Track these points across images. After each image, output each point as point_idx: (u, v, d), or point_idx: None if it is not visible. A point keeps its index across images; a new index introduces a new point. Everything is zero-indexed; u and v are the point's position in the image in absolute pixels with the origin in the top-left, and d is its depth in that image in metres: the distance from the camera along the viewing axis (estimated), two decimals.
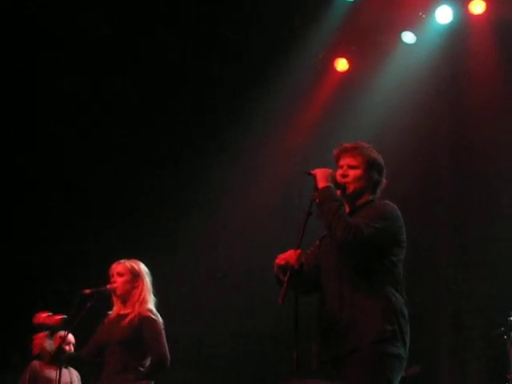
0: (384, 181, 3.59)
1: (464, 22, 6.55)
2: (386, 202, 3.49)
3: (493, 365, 6.00)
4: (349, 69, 6.98)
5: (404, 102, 6.64)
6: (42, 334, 5.65)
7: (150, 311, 4.64)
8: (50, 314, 4.65)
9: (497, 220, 6.55)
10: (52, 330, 4.71)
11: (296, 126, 7.10)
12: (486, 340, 6.04)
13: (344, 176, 3.49)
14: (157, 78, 6.83)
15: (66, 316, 4.58)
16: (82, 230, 7.22)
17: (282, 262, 3.28)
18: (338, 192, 3.45)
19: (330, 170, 3.50)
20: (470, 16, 6.51)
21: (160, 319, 4.65)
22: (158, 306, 4.75)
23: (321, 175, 3.44)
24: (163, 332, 4.59)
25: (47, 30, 6.44)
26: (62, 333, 4.77)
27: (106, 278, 4.75)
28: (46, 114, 6.87)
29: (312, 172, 3.47)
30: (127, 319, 4.59)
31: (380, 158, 3.58)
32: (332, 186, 3.42)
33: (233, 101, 6.88)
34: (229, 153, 6.90)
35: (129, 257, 4.85)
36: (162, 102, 6.99)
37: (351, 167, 3.51)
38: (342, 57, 7.00)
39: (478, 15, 6.46)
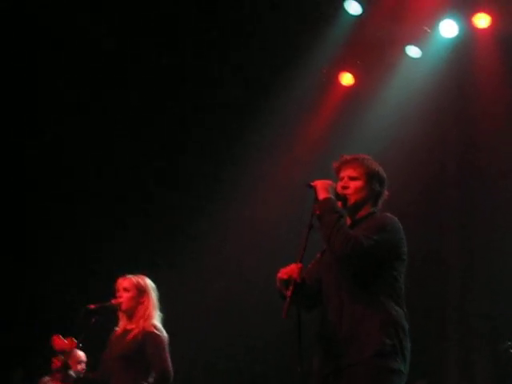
0: (386, 192, 3.56)
1: (469, 36, 6.55)
2: (387, 214, 3.46)
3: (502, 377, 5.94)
4: (354, 83, 6.98)
5: (410, 115, 6.64)
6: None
7: (154, 327, 4.63)
8: (61, 337, 4.63)
9: (505, 227, 6.49)
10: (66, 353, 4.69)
11: (302, 138, 7.12)
12: (495, 355, 5.96)
13: (344, 188, 3.47)
14: (157, 80, 6.86)
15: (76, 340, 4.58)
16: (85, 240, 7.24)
17: (285, 277, 3.25)
18: (339, 204, 3.43)
19: (331, 182, 3.48)
20: (474, 30, 6.50)
21: (164, 334, 4.64)
22: (165, 322, 4.73)
23: (321, 186, 3.41)
24: (167, 347, 4.57)
25: (47, 30, 6.43)
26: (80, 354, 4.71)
27: (113, 293, 4.76)
28: (46, 114, 6.88)
29: (312, 184, 3.45)
30: (131, 334, 4.59)
31: (381, 170, 3.56)
32: (332, 197, 3.40)
33: (239, 112, 6.91)
34: (235, 164, 6.91)
35: (136, 271, 4.86)
36: (163, 102, 7.01)
37: (352, 178, 3.49)
38: (347, 71, 7.00)
39: (483, 29, 6.44)
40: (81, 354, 5.57)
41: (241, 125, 6.89)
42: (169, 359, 4.53)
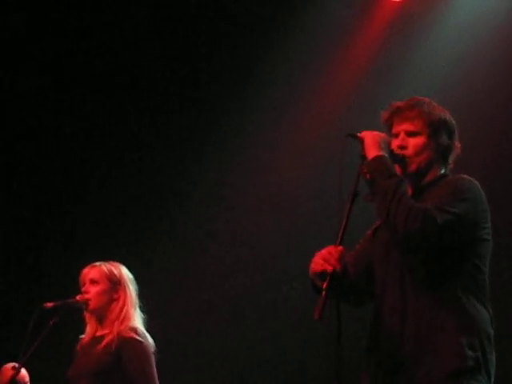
0: (457, 145, 3.55)
1: None
2: (464, 176, 3.44)
3: None
4: None
5: (482, 44, 6.53)
6: None
7: (134, 331, 4.64)
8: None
9: None
10: None
11: (335, 77, 7.04)
12: None
13: (402, 148, 3.45)
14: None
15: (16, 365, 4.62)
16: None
17: (319, 267, 3.25)
18: (397, 168, 3.42)
19: (383, 135, 3.47)
20: None
21: (149, 341, 4.66)
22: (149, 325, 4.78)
23: (371, 140, 3.39)
24: (152, 358, 4.61)
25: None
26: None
27: (76, 288, 4.79)
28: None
29: (359, 135, 3.43)
30: (103, 342, 4.59)
31: (448, 116, 3.54)
32: (386, 155, 3.38)
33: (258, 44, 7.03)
34: (250, 109, 7.01)
35: (107, 259, 4.89)
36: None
37: (410, 134, 3.47)
38: None
39: None
40: (23, 374, 5.55)
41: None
42: (155, 374, 4.56)
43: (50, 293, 5.02)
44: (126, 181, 7.27)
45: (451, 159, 3.53)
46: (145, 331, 4.68)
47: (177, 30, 7.20)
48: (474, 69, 6.51)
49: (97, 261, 4.84)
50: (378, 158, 3.34)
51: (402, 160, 3.44)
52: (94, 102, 7.33)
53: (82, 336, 4.79)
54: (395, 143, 3.46)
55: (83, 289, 4.73)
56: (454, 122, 3.54)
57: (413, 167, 3.45)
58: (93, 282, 4.73)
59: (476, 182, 3.41)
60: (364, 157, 3.38)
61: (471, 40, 6.60)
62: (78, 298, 4.69)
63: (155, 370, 4.57)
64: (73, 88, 7.31)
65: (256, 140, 6.99)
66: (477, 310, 3.28)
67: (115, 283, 4.75)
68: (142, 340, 4.60)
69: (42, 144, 7.39)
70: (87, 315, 4.77)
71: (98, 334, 4.69)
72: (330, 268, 3.21)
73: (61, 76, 7.30)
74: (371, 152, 3.36)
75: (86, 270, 4.79)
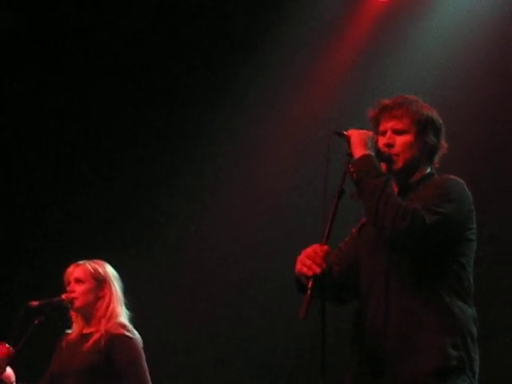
0: (444, 144, 3.55)
1: None
2: (450, 176, 3.45)
3: None
4: None
5: (471, 41, 6.52)
6: None
7: (123, 327, 4.66)
8: None
9: None
10: None
11: (321, 74, 7.01)
12: None
13: (389, 146, 3.46)
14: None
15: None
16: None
17: (304, 269, 3.21)
18: (383, 166, 3.42)
19: (370, 133, 3.47)
20: None
21: (137, 337, 4.67)
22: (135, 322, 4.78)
23: (357, 139, 3.39)
24: (142, 353, 4.62)
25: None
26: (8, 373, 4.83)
27: (61, 286, 4.78)
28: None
29: (345, 133, 3.43)
30: (91, 340, 4.60)
31: (435, 114, 3.55)
32: (373, 154, 3.38)
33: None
34: (237, 106, 6.99)
35: (91, 257, 4.89)
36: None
37: (397, 132, 3.48)
38: None
39: None
40: (9, 373, 5.55)
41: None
42: (146, 368, 4.57)
43: (34, 291, 4.99)
44: (114, 178, 7.26)
45: (436, 158, 3.54)
46: (132, 327, 4.69)
47: (169, 27, 7.21)
48: (461, 66, 6.50)
49: (82, 259, 4.84)
50: (364, 157, 3.33)
51: (388, 158, 3.44)
52: (84, 101, 7.33)
53: (68, 331, 4.81)
54: (382, 141, 3.47)
55: (68, 288, 4.74)
56: (441, 120, 3.55)
57: (399, 165, 3.45)
58: (78, 280, 4.74)
59: (462, 182, 3.41)
60: (350, 155, 3.37)
61: (459, 37, 6.56)
62: (63, 296, 4.69)
63: (145, 362, 4.59)
64: (71, 86, 7.31)
65: (243, 137, 6.97)
66: (460, 309, 3.28)
67: (100, 281, 4.77)
68: (132, 336, 4.62)
69: (41, 143, 7.41)
70: (73, 313, 4.77)
71: (85, 331, 4.70)
72: (316, 269, 3.18)
73: (59, 75, 7.33)
74: (358, 151, 3.35)
75: (70, 269, 4.79)
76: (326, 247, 3.24)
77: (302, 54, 6.96)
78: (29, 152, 7.40)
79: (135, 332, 4.67)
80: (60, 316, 4.80)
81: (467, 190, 3.40)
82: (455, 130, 3.79)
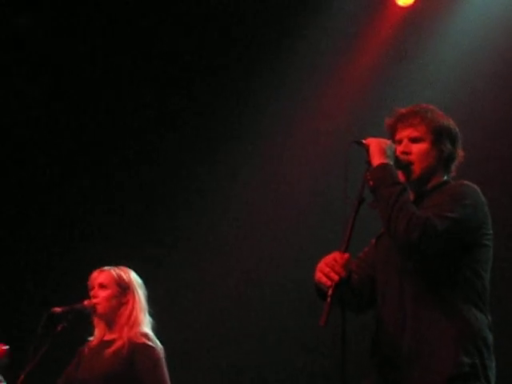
0: (460, 153, 3.56)
1: None
2: (465, 182, 3.46)
3: None
4: (415, 2, 6.88)
5: (490, 48, 6.51)
6: None
7: (145, 336, 4.67)
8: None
9: None
10: None
11: (341, 82, 7.02)
12: None
13: (406, 153, 3.48)
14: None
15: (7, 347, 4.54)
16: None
17: (323, 278, 3.24)
18: (400, 175, 3.44)
19: (389, 141, 3.48)
20: None
21: (159, 346, 4.68)
22: (157, 330, 4.79)
23: (376, 147, 3.41)
24: (163, 362, 4.62)
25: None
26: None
27: (85, 292, 4.81)
28: None
29: (364, 141, 3.45)
30: (113, 347, 4.62)
31: (452, 123, 3.57)
32: (391, 163, 3.40)
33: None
34: (259, 113, 6.99)
35: (116, 264, 4.90)
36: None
37: (413, 140, 3.50)
38: None
39: None
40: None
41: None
42: (167, 378, 4.59)
43: (58, 297, 5.01)
44: (133, 184, 7.26)
45: (453, 167, 3.56)
46: (154, 336, 4.70)
47: (186, 30, 7.21)
48: (483, 74, 6.49)
49: (105, 265, 4.86)
50: (381, 166, 3.35)
51: (406, 166, 3.46)
52: (90, 102, 7.32)
53: (90, 338, 4.81)
54: (399, 149, 3.48)
55: (92, 293, 4.75)
56: (457, 129, 3.56)
57: (416, 173, 3.47)
58: (102, 286, 4.75)
59: (477, 188, 3.43)
60: (369, 163, 3.40)
61: (481, 44, 6.55)
62: (85, 303, 4.70)
63: (166, 371, 4.60)
64: (72, 88, 7.32)
65: (264, 144, 6.98)
66: (476, 318, 3.29)
67: (124, 288, 4.78)
68: (154, 346, 4.63)
69: (52, 149, 7.42)
70: (95, 319, 4.79)
71: (107, 338, 4.72)
72: (334, 276, 3.21)
73: (60, 77, 7.34)
74: (376, 159, 3.38)
75: (94, 274, 4.81)
76: (346, 255, 3.26)
77: (324, 62, 6.94)
78: (60, 158, 7.40)
79: (157, 341, 4.68)
80: (82, 323, 4.80)
81: (482, 195, 3.41)
82: (477, 137, 3.78)
